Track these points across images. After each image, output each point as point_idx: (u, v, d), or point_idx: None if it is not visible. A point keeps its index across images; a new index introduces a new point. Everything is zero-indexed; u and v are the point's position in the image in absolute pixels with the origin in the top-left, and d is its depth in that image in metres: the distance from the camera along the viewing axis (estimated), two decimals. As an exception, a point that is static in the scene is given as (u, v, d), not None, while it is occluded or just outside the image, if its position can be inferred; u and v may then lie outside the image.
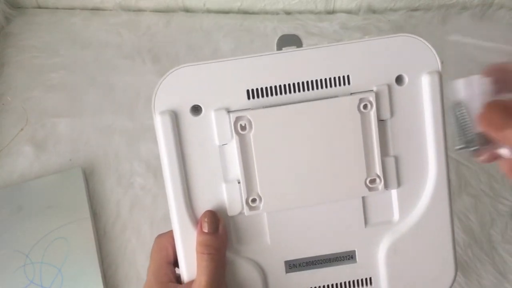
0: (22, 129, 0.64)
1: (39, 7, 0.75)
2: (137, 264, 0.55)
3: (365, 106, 0.33)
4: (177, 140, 0.34)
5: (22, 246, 0.55)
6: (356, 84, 0.33)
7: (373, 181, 0.34)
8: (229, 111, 0.33)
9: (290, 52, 0.32)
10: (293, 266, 0.36)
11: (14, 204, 0.57)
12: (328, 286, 0.36)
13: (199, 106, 0.33)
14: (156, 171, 0.61)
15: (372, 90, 0.33)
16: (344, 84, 0.33)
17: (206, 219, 0.33)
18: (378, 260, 0.35)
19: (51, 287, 0.52)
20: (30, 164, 0.62)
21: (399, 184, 0.34)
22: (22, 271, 0.53)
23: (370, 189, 0.34)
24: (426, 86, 0.32)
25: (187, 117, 0.33)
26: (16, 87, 0.68)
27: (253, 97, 0.33)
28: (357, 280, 0.36)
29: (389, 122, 0.34)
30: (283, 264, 0.36)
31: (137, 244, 0.56)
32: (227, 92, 0.33)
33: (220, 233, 0.33)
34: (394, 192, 0.35)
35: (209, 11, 0.74)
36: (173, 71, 0.33)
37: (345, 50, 0.32)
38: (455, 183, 0.58)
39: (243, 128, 0.33)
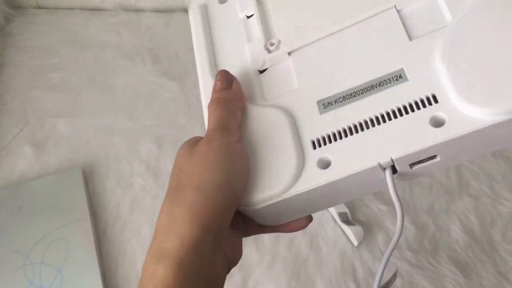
0: (21, 129, 0.64)
1: (39, 7, 0.75)
2: (137, 264, 0.55)
3: None
4: (205, 25, 0.38)
5: (22, 247, 0.54)
6: None
7: None
8: None
9: None
10: (328, 104, 0.30)
11: (14, 204, 0.57)
12: (377, 117, 0.28)
13: None
14: (156, 172, 0.61)
15: None
16: None
17: (218, 77, 0.33)
18: (437, 69, 0.28)
19: (51, 287, 0.52)
20: (30, 164, 0.62)
21: None
22: (21, 271, 0.53)
23: None
24: None
25: (214, 5, 0.39)
26: (16, 87, 0.68)
27: None
28: (415, 102, 0.28)
29: None
30: (315, 105, 0.30)
31: (137, 244, 0.56)
32: None
33: (233, 88, 0.33)
34: None
35: (209, 11, 0.74)
36: None
37: None
38: (455, 184, 0.58)
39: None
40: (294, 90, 0.31)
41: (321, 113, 0.30)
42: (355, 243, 0.54)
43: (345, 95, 0.30)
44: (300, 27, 0.33)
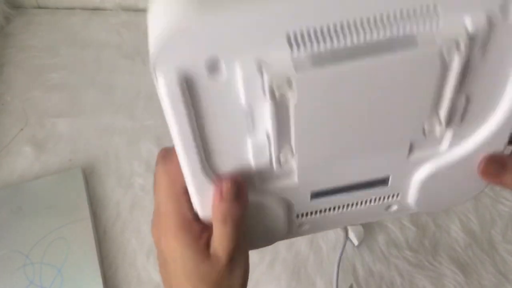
0: (22, 129, 0.64)
1: (39, 7, 0.75)
2: (137, 264, 0.55)
3: (449, 52, 0.23)
4: (188, 104, 0.25)
5: (22, 247, 0.54)
6: (445, 16, 0.22)
7: (432, 127, 0.28)
8: (260, 67, 0.22)
9: None
10: (319, 194, 0.32)
11: (14, 204, 0.57)
12: (352, 204, 0.34)
13: (218, 60, 0.23)
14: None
15: (464, 28, 0.22)
16: (429, 18, 0.22)
17: (228, 187, 0.29)
18: (412, 181, 0.32)
19: (51, 287, 0.52)
20: (30, 164, 0.62)
21: (458, 125, 0.28)
22: (22, 271, 0.53)
23: (426, 135, 0.28)
24: None
25: (200, 77, 0.23)
26: (16, 87, 0.68)
27: (297, 45, 0.22)
28: (384, 197, 0.34)
29: (473, 64, 0.25)
30: (309, 194, 0.32)
31: (137, 244, 0.56)
32: (258, 35, 0.21)
33: (242, 199, 0.29)
34: (449, 130, 0.29)
35: (209, 11, 0.74)
36: (189, 18, 0.21)
37: None
38: (455, 183, 0.58)
39: (282, 95, 0.24)
40: (293, 184, 0.31)
41: (311, 199, 0.33)
42: (356, 243, 0.54)
43: (335, 190, 0.33)
44: (319, 150, 0.28)
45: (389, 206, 0.35)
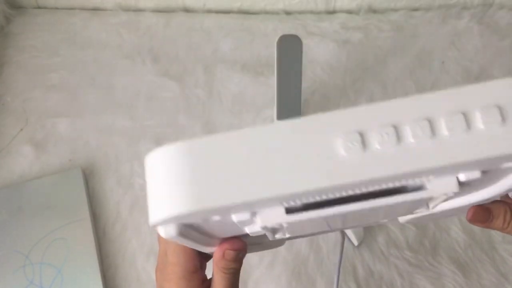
0: (22, 129, 0.64)
1: (39, 7, 0.75)
2: (137, 264, 0.55)
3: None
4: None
5: (22, 247, 0.54)
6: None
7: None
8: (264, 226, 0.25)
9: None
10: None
11: (14, 205, 0.57)
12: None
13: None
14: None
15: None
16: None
17: (229, 248, 0.31)
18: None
19: (51, 287, 0.52)
20: (29, 165, 0.62)
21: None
22: (21, 271, 0.53)
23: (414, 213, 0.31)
24: None
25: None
26: (16, 87, 0.68)
27: (292, 212, 0.23)
28: None
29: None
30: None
31: (137, 244, 0.56)
32: (264, 210, 0.23)
33: (241, 256, 0.32)
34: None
35: (209, 11, 0.74)
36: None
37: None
38: (455, 184, 0.58)
39: (276, 231, 0.28)
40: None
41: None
42: (356, 243, 0.54)
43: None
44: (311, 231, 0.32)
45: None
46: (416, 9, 0.72)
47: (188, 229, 0.24)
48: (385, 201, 0.22)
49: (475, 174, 0.21)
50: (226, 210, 0.22)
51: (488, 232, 0.56)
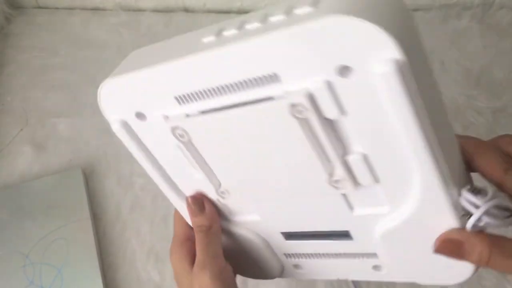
0: (22, 129, 0.64)
1: (39, 7, 0.75)
2: (137, 264, 0.55)
3: (298, 111, 0.26)
4: (139, 143, 0.33)
5: (22, 247, 0.54)
6: (288, 82, 0.26)
7: (337, 182, 0.29)
8: (166, 118, 0.31)
9: (209, 52, 0.26)
10: (290, 236, 0.35)
11: (14, 205, 0.57)
12: (332, 254, 0.35)
13: (142, 113, 0.32)
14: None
15: (303, 90, 0.25)
16: (275, 82, 0.26)
17: (189, 205, 0.35)
18: (376, 242, 0.32)
19: (51, 287, 0.52)
20: (30, 165, 0.62)
21: (376, 179, 0.29)
22: (22, 271, 0.53)
23: (338, 188, 0.29)
24: (379, 77, 0.24)
25: (136, 122, 0.32)
26: (16, 87, 0.68)
27: (184, 103, 0.29)
28: (360, 254, 0.34)
29: (343, 120, 0.27)
30: (280, 234, 0.35)
31: (137, 244, 0.56)
32: (159, 99, 0.30)
33: (206, 211, 0.35)
34: (378, 186, 0.29)
35: (209, 11, 0.74)
36: (106, 83, 0.31)
37: (267, 43, 0.25)
38: (455, 184, 0.58)
39: (182, 136, 0.31)
40: (259, 221, 0.35)
41: (286, 239, 0.35)
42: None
43: (303, 234, 0.34)
44: (246, 189, 0.33)
45: (376, 267, 0.34)
46: (416, 9, 0.72)
47: (131, 133, 0.33)
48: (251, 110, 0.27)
49: (319, 83, 0.25)
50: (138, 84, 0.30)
51: (488, 232, 0.56)
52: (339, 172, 0.28)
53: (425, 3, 0.72)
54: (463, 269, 0.32)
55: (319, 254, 0.35)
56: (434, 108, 0.26)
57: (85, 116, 0.65)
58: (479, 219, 0.28)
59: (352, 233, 0.33)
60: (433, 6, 0.72)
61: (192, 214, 0.35)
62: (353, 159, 0.28)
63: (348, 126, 0.27)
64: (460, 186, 0.28)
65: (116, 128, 0.33)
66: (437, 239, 0.29)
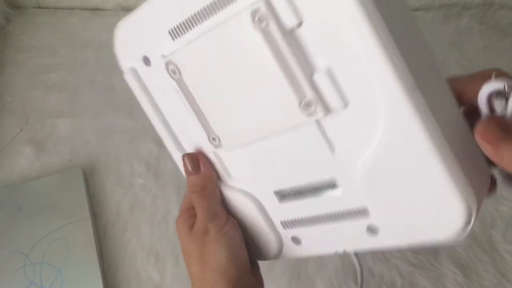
0: (22, 129, 0.64)
1: (39, 7, 0.75)
2: (137, 264, 0.55)
3: (259, 19, 0.27)
4: (145, 91, 0.36)
5: (22, 247, 0.54)
6: None
7: (308, 105, 0.28)
8: (163, 57, 0.33)
9: None
10: (284, 196, 0.34)
11: (14, 205, 0.57)
12: (325, 215, 0.33)
13: (147, 57, 0.34)
14: (156, 172, 0.61)
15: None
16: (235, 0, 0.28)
17: (185, 163, 0.35)
18: (364, 187, 0.30)
19: (51, 287, 0.52)
20: (30, 165, 0.62)
21: (345, 102, 0.28)
22: (22, 271, 0.53)
23: (309, 114, 0.29)
24: None
25: (143, 69, 0.35)
26: (16, 87, 0.68)
27: (177, 37, 0.32)
28: (351, 209, 0.32)
29: (302, 30, 0.27)
30: (273, 194, 0.35)
31: (137, 244, 0.56)
32: (157, 37, 0.33)
33: (202, 170, 0.35)
34: (347, 112, 0.28)
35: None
36: (115, 30, 0.35)
37: None
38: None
39: (174, 72, 0.33)
40: (251, 177, 0.35)
41: (279, 201, 0.35)
42: (356, 243, 0.54)
43: (294, 192, 0.34)
44: (234, 130, 0.33)
45: (371, 229, 0.32)
46: (416, 9, 0.72)
47: (139, 81, 0.36)
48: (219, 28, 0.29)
49: None
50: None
51: (488, 232, 0.56)
52: (309, 93, 0.28)
53: (425, 3, 0.72)
54: (452, 216, 0.29)
55: (313, 217, 0.34)
56: (400, 26, 0.26)
57: (85, 116, 0.65)
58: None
59: (338, 180, 0.31)
60: (433, 6, 0.72)
61: (187, 172, 0.35)
62: (320, 77, 0.28)
63: (309, 37, 0.27)
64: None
65: (128, 77, 0.36)
66: (482, 122, 0.26)
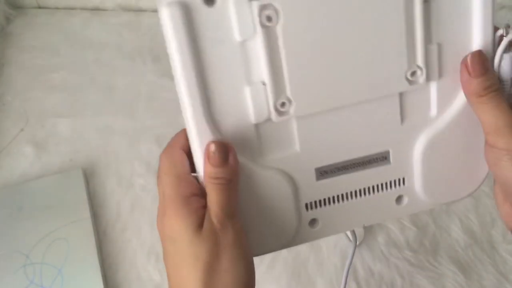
0: (22, 129, 0.64)
1: (39, 7, 0.75)
2: (138, 264, 0.55)
3: None
4: (189, 38, 0.27)
5: (22, 247, 0.54)
6: None
7: (414, 73, 0.30)
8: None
9: None
10: (324, 173, 0.33)
11: (14, 204, 0.57)
12: (359, 190, 0.34)
13: None
14: (156, 172, 0.61)
15: None
16: None
17: (215, 150, 0.29)
18: (413, 159, 0.33)
19: (51, 287, 0.52)
20: (30, 165, 0.62)
21: (440, 75, 0.31)
22: (22, 271, 0.53)
23: (410, 82, 0.31)
24: None
25: (199, 8, 0.27)
26: (16, 87, 0.68)
27: None
28: (390, 182, 0.34)
29: (434, 3, 0.29)
30: (313, 171, 0.33)
31: (137, 244, 0.56)
32: None
33: (230, 164, 0.30)
34: (433, 85, 0.32)
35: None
36: None
37: None
38: (455, 184, 0.58)
39: (270, 19, 0.27)
40: (295, 154, 0.32)
41: (317, 179, 0.33)
42: (356, 242, 0.54)
43: (339, 167, 0.33)
44: (315, 95, 0.30)
45: (399, 198, 0.35)
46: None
47: (187, 21, 0.27)
48: None
49: None
50: None
51: (488, 232, 0.56)
52: (420, 61, 0.30)
53: (425, 3, 0.72)
54: (477, 174, 0.35)
55: (347, 194, 0.34)
56: None
57: (85, 116, 0.65)
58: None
59: (392, 153, 0.33)
60: (433, 6, 0.72)
61: (214, 163, 0.29)
62: (432, 48, 0.30)
63: (436, 10, 0.29)
64: None
65: (172, 10, 0.26)
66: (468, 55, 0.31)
